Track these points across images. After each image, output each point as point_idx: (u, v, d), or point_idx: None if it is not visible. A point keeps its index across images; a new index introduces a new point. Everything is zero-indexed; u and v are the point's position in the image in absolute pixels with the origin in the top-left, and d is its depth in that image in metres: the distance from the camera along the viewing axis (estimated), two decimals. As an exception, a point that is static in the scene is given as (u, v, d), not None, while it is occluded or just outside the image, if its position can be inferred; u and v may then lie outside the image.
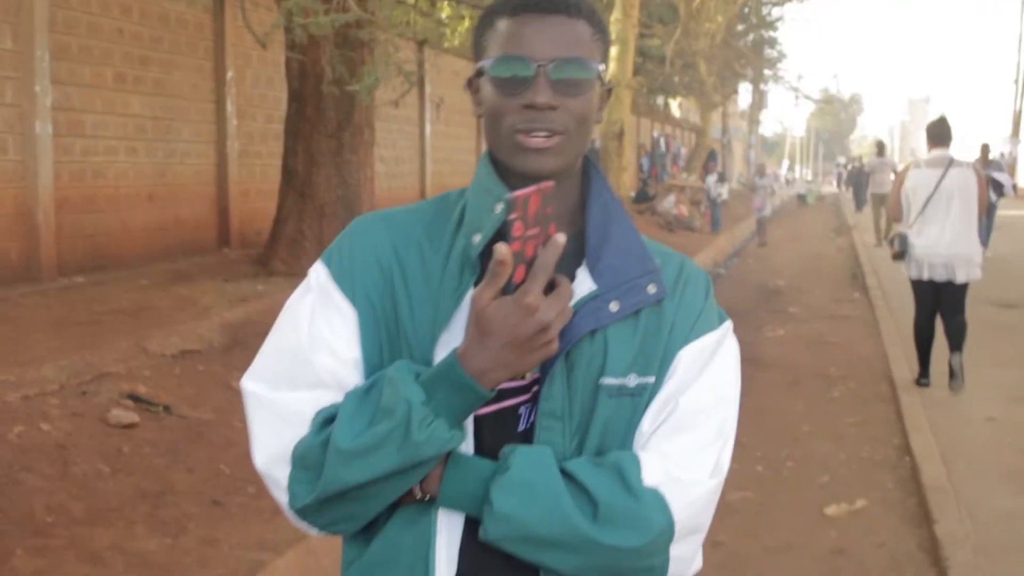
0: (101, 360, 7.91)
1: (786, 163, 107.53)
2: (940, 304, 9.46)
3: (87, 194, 12.68)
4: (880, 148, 25.80)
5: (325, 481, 1.72)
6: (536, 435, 1.74)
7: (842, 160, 71.93)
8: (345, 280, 1.83)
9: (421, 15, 17.02)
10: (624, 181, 28.06)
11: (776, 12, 46.34)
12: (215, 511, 6.06)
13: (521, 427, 1.77)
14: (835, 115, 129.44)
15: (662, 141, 46.92)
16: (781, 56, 52.60)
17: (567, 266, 1.75)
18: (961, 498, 6.45)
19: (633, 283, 1.77)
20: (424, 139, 23.38)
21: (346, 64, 12.18)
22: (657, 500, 1.71)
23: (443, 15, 22.84)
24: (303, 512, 1.80)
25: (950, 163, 9.27)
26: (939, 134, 9.42)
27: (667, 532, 1.73)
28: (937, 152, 9.38)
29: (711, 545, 6.03)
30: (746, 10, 43.17)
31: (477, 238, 1.76)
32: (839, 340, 12.12)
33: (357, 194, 13.13)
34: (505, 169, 1.79)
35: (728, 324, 1.89)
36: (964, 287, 9.33)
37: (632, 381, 1.77)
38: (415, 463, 1.68)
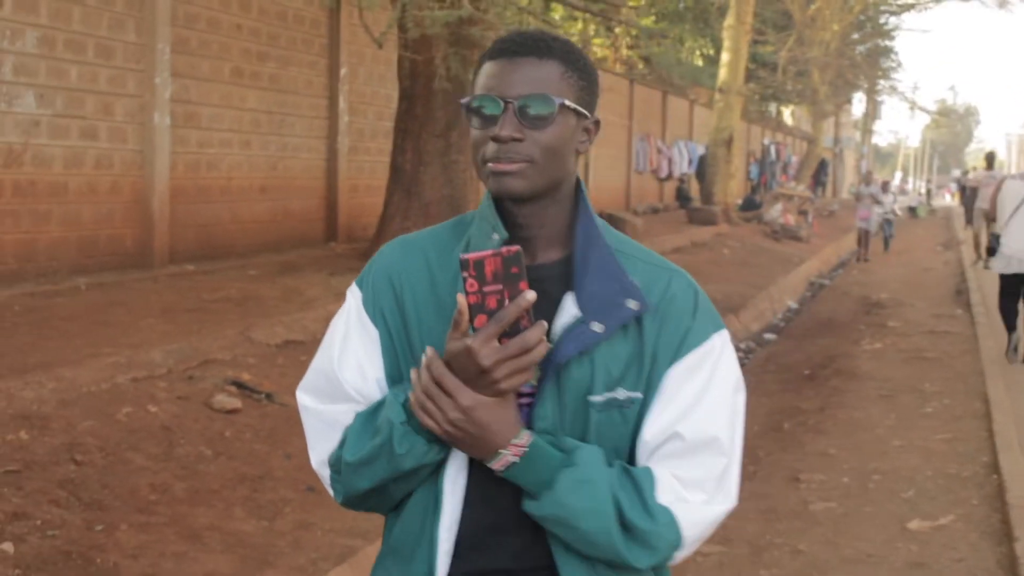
0: (208, 347, 8.18)
1: (899, 174, 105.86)
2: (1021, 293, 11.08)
3: (201, 185, 13.04)
4: (989, 161, 22.64)
5: (345, 485, 2.06)
6: None
7: (957, 172, 70.56)
8: (369, 303, 2.08)
9: (534, 17, 17.15)
10: (732, 188, 27.98)
11: (893, 21, 45.74)
12: (310, 497, 6.26)
13: None
14: (951, 127, 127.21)
15: (772, 149, 46.56)
16: (897, 66, 51.79)
17: (559, 290, 1.97)
18: (1047, 518, 6.43)
19: (612, 301, 1.94)
20: (530, 140, 23.51)
21: (460, 62, 12.38)
22: (668, 518, 1.91)
23: (555, 16, 22.94)
24: (344, 503, 2.12)
25: None
26: None
27: (674, 547, 1.94)
28: None
29: (791, 553, 6.09)
30: (862, 18, 42.66)
31: None
32: (937, 355, 12.00)
33: (463, 194, 13.32)
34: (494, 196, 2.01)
35: (722, 333, 2.04)
36: None
37: (621, 395, 1.95)
38: (402, 472, 1.96)
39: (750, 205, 30.66)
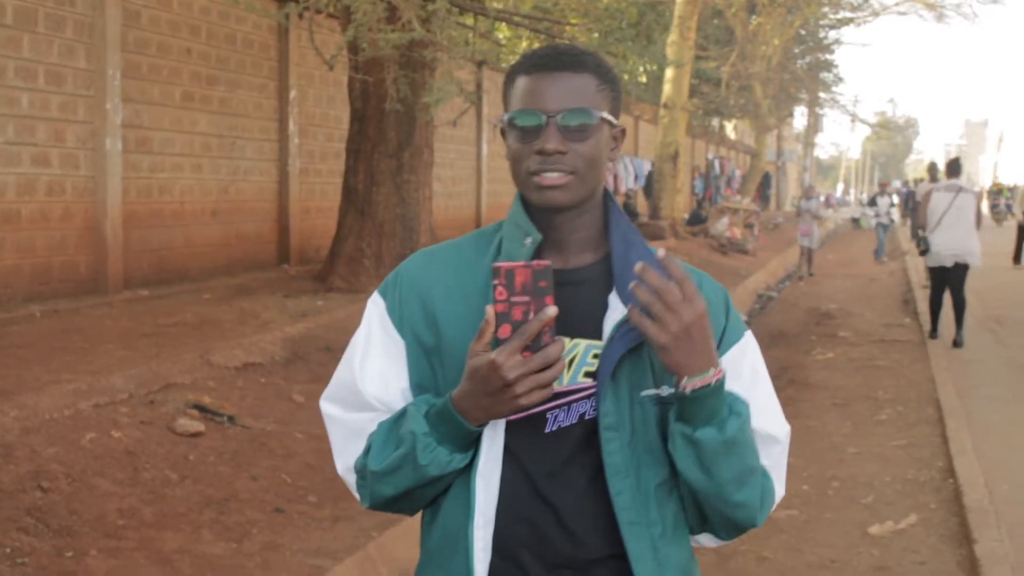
0: (167, 371, 8.18)
1: (841, 186, 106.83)
2: (949, 283, 13.35)
3: (153, 209, 13.01)
4: (932, 172, 22.65)
5: (371, 492, 2.12)
6: (603, 446, 2.01)
7: (898, 183, 71.35)
8: (395, 314, 2.15)
9: (480, 36, 17.25)
10: (678, 203, 28.15)
11: (832, 35, 46.22)
12: (277, 518, 6.28)
13: (549, 428, 2.04)
14: (891, 138, 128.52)
15: (716, 163, 46.85)
16: (837, 79, 52.29)
17: (598, 288, 2.06)
18: (1002, 519, 6.55)
19: None
20: (481, 159, 23.60)
21: (409, 84, 12.44)
22: (771, 478, 2.14)
23: (501, 36, 23.04)
24: (371, 507, 2.16)
25: (959, 189, 13.50)
26: (954, 169, 13.95)
27: (772, 504, 2.15)
28: (952, 181, 13.78)
29: (756, 560, 6.19)
30: (802, 32, 43.12)
31: None
32: (888, 364, 12.19)
33: (416, 213, 13.37)
34: (531, 204, 2.08)
35: (750, 333, 2.17)
36: (966, 269, 13.27)
37: (665, 391, 2.03)
38: (427, 480, 2.02)
39: (696, 219, 30.86)
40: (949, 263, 13.23)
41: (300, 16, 14.06)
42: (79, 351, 8.60)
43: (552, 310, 1.85)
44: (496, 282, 1.85)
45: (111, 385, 7.53)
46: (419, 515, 2.26)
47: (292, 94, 15.83)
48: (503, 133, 2.10)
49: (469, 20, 16.12)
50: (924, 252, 13.66)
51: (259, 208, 15.39)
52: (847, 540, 6.49)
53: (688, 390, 1.91)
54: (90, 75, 11.72)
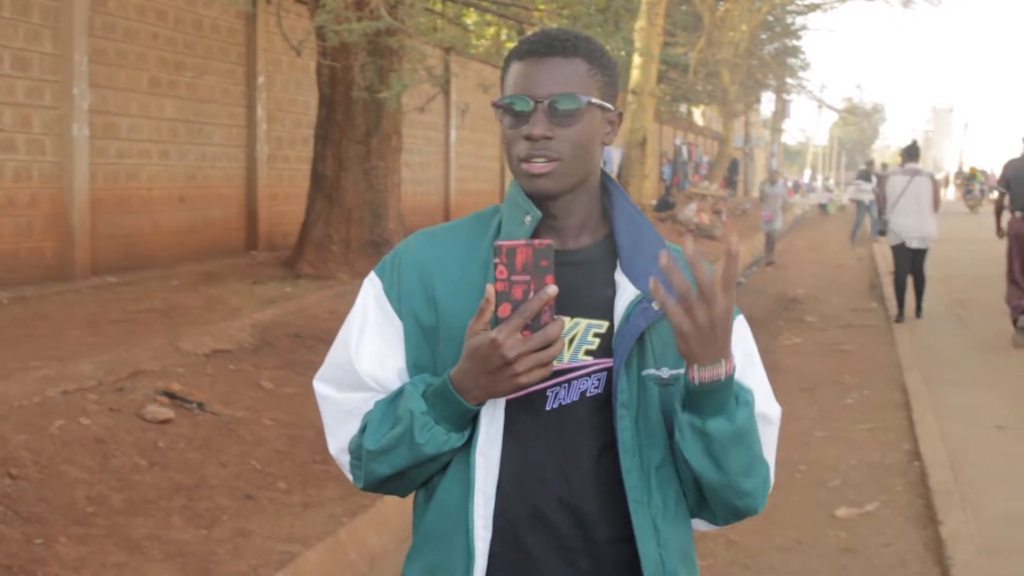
0: (136, 358, 8.17)
1: (808, 172, 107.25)
2: (912, 263, 14.00)
3: (121, 195, 12.96)
4: (910, 155, 20.51)
5: (365, 472, 2.11)
6: (617, 423, 2.02)
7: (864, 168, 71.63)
8: (393, 294, 2.15)
9: (447, 22, 17.25)
10: (646, 189, 28.20)
11: (800, 21, 46.46)
12: (247, 504, 6.29)
13: (550, 406, 2.05)
14: (858, 124, 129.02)
15: (684, 149, 46.97)
16: (804, 65, 52.57)
17: (601, 268, 2.09)
18: (967, 501, 6.63)
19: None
20: (449, 145, 23.60)
21: (376, 71, 12.43)
22: (768, 470, 2.15)
23: (469, 22, 23.03)
24: (365, 488, 2.16)
25: (916, 172, 14.20)
26: (911, 153, 14.67)
27: (766, 497, 2.16)
28: (909, 165, 14.41)
29: (725, 543, 6.24)
30: (770, 19, 43.22)
31: None
32: (854, 348, 12.29)
33: (384, 199, 13.37)
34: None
35: (742, 317, 2.19)
36: (926, 251, 14.08)
37: (665, 373, 2.06)
38: (423, 459, 2.02)
39: (664, 205, 30.95)
40: (915, 244, 13.90)
41: (268, 1, 14.03)
42: (47, 338, 8.57)
43: (552, 289, 1.87)
44: (497, 260, 1.87)
45: (79, 372, 7.52)
46: (392, 502, 2.28)
47: (260, 80, 15.79)
48: (499, 118, 2.12)
49: (437, 6, 16.12)
50: (883, 232, 14.63)
51: (227, 194, 15.35)
52: (814, 522, 6.56)
53: (697, 381, 1.93)
54: (56, 60, 11.65)
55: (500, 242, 1.88)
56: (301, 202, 14.23)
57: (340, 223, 13.20)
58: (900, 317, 14.14)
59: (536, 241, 1.88)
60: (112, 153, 12.75)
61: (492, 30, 27.54)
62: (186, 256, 14.20)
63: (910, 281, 14.17)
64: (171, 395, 7.62)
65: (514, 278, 1.87)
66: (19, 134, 11.21)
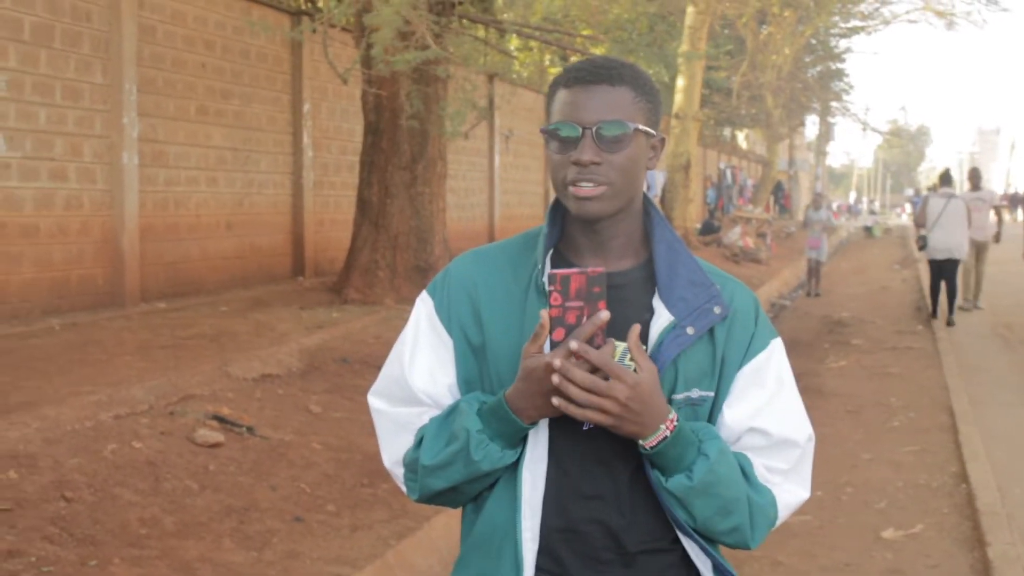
0: (186, 382, 8.26)
1: (853, 194, 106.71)
2: (943, 274, 16.16)
3: (169, 222, 13.12)
4: (974, 178, 18.33)
5: (420, 486, 2.20)
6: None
7: (910, 191, 71.35)
8: (443, 312, 2.23)
9: (491, 48, 17.35)
10: (690, 213, 28.20)
11: (843, 44, 46.22)
12: (297, 527, 6.35)
13: (587, 426, 2.10)
14: (903, 146, 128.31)
15: (728, 173, 46.91)
16: (848, 88, 52.37)
17: (640, 292, 2.15)
18: (1015, 523, 6.60)
19: (702, 308, 2.13)
20: (493, 170, 23.68)
21: (423, 99, 12.54)
22: (771, 497, 2.16)
23: (512, 47, 23.15)
24: (419, 500, 2.24)
25: (951, 196, 16.24)
26: (946, 180, 16.88)
27: (771, 525, 2.19)
28: (945, 189, 16.56)
29: (771, 565, 6.24)
30: (812, 42, 43.14)
31: (540, 270, 2.16)
32: (900, 371, 12.23)
33: (430, 225, 13.45)
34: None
35: (778, 340, 2.25)
36: (957, 263, 16.09)
37: (695, 394, 2.12)
38: (479, 475, 2.10)
39: (709, 229, 30.93)
40: (944, 256, 16.01)
41: (313, 31, 14.18)
42: (98, 363, 8.69)
43: (605, 314, 1.94)
44: (552, 288, 1.94)
45: (131, 396, 7.61)
46: (439, 525, 2.34)
47: (306, 107, 15.94)
48: (546, 143, 2.18)
49: (480, 33, 16.22)
50: (922, 248, 16.80)
51: (274, 221, 15.49)
52: (861, 544, 6.54)
53: (648, 447, 2.01)
54: (106, 90, 11.84)
55: (555, 271, 1.94)
56: (347, 228, 14.33)
57: (386, 249, 13.29)
58: (934, 314, 16.67)
59: (590, 269, 1.95)
60: (161, 181, 12.91)
61: (535, 55, 27.66)
62: (234, 282, 14.34)
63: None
64: (221, 419, 7.70)
65: (568, 304, 1.94)
66: (70, 163, 11.39)
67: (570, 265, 2.18)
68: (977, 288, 18.18)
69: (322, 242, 16.52)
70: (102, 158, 11.83)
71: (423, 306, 2.26)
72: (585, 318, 1.94)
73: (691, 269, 2.17)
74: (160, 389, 7.94)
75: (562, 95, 2.12)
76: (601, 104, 2.07)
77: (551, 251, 2.20)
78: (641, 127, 2.10)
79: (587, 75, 2.10)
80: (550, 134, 2.11)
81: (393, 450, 2.26)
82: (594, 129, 2.05)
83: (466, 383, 2.20)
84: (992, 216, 18.40)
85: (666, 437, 1.99)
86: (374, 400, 2.30)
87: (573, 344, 1.91)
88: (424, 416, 2.20)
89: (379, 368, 2.31)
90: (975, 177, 18.37)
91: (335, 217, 16.78)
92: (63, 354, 8.99)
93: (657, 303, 2.14)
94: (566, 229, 2.23)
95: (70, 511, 5.89)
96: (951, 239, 15.86)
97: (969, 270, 17.93)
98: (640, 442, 2.01)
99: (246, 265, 14.79)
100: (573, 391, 1.93)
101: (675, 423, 2.01)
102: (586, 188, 2.06)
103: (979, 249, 17.70)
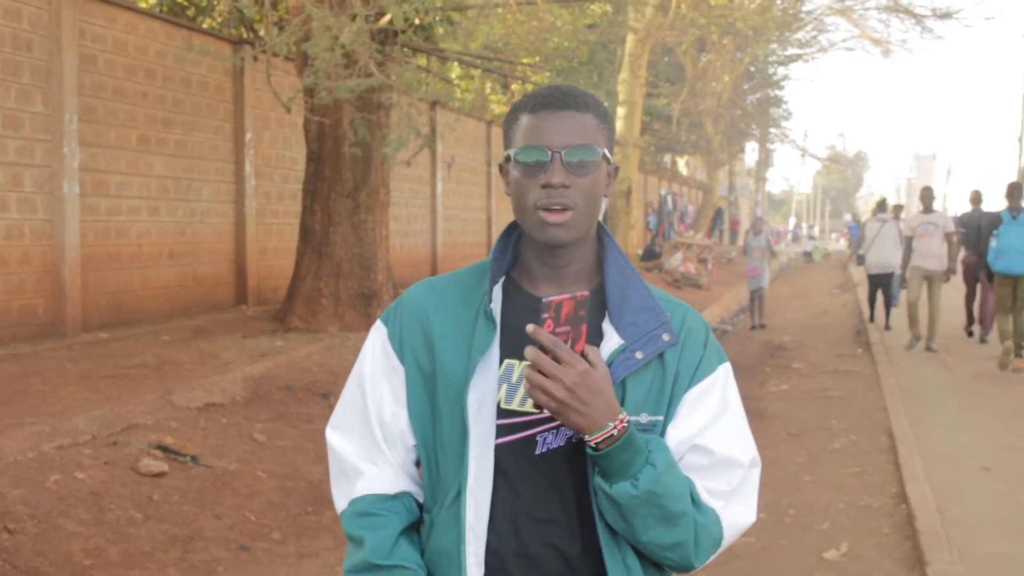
0: (129, 412, 8.23)
1: (793, 220, 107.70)
2: (880, 285, 19.09)
3: (111, 252, 13.05)
4: (926, 199, 16.58)
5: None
6: (589, 467, 2.11)
7: (848, 217, 71.98)
8: (395, 341, 2.28)
9: (432, 76, 17.43)
10: (632, 239, 28.39)
11: (781, 71, 46.74)
12: (242, 555, 6.36)
13: (539, 451, 2.15)
14: (841, 172, 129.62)
15: (669, 199, 47.24)
16: (787, 114, 52.95)
17: (592, 317, 2.12)
18: (953, 542, 6.72)
19: (651, 334, 2.17)
20: (436, 198, 23.73)
21: (366, 126, 12.59)
22: (715, 517, 2.14)
23: (453, 75, 23.24)
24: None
25: (885, 220, 18.82)
26: (882, 207, 19.59)
27: (716, 546, 2.17)
28: (881, 215, 19.10)
29: (714, 588, 6.31)
30: (751, 69, 43.63)
31: (489, 297, 2.21)
32: (841, 394, 12.39)
33: (373, 252, 13.47)
34: (529, 237, 2.21)
35: (726, 364, 2.29)
36: (891, 275, 18.62)
37: (644, 418, 2.15)
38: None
39: (650, 255, 31.11)
40: (877, 271, 18.90)
41: (255, 59, 14.18)
42: (40, 394, 8.64)
43: (593, 351, 2.04)
44: (546, 316, 1.96)
45: (74, 427, 7.58)
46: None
47: (248, 136, 15.92)
48: (501, 169, 2.23)
49: (422, 61, 16.30)
50: (860, 263, 20.11)
51: (216, 249, 15.44)
52: (803, 566, 6.63)
53: (593, 445, 2.02)
54: (47, 119, 11.78)
55: (549, 299, 1.97)
56: (290, 256, 14.32)
57: (329, 276, 13.30)
58: (872, 318, 19.95)
59: (578, 294, 1.99)
60: (102, 210, 12.85)
61: (476, 83, 27.76)
62: (176, 311, 14.29)
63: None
64: (165, 448, 7.69)
65: (558, 330, 1.98)
66: (10, 192, 11.31)
67: (524, 292, 2.23)
68: (931, 327, 15.66)
69: (265, 270, 16.49)
70: (43, 188, 11.76)
71: (377, 335, 2.31)
72: (571, 341, 1.99)
73: (642, 295, 2.21)
74: (103, 419, 7.91)
75: (527, 120, 2.16)
76: (568, 129, 2.12)
77: (503, 278, 2.25)
78: (606, 153, 2.16)
79: (555, 101, 2.15)
80: (515, 160, 2.15)
81: (342, 493, 2.29)
82: (563, 153, 2.10)
83: (416, 415, 2.23)
84: (943, 245, 15.69)
85: (613, 436, 2.00)
86: (332, 436, 2.33)
87: (530, 327, 1.96)
88: (370, 462, 2.26)
89: (323, 396, 2.38)
90: (927, 198, 16.49)
91: (278, 245, 16.76)
92: (4, 385, 8.92)
93: (607, 327, 2.18)
94: (520, 255, 2.27)
95: (13, 542, 5.87)
96: (884, 256, 18.74)
97: (922, 305, 15.96)
98: (587, 439, 2.02)
99: (189, 294, 14.73)
100: (527, 372, 1.98)
101: (625, 424, 2.02)
102: (555, 213, 2.11)
103: (930, 281, 15.69)
